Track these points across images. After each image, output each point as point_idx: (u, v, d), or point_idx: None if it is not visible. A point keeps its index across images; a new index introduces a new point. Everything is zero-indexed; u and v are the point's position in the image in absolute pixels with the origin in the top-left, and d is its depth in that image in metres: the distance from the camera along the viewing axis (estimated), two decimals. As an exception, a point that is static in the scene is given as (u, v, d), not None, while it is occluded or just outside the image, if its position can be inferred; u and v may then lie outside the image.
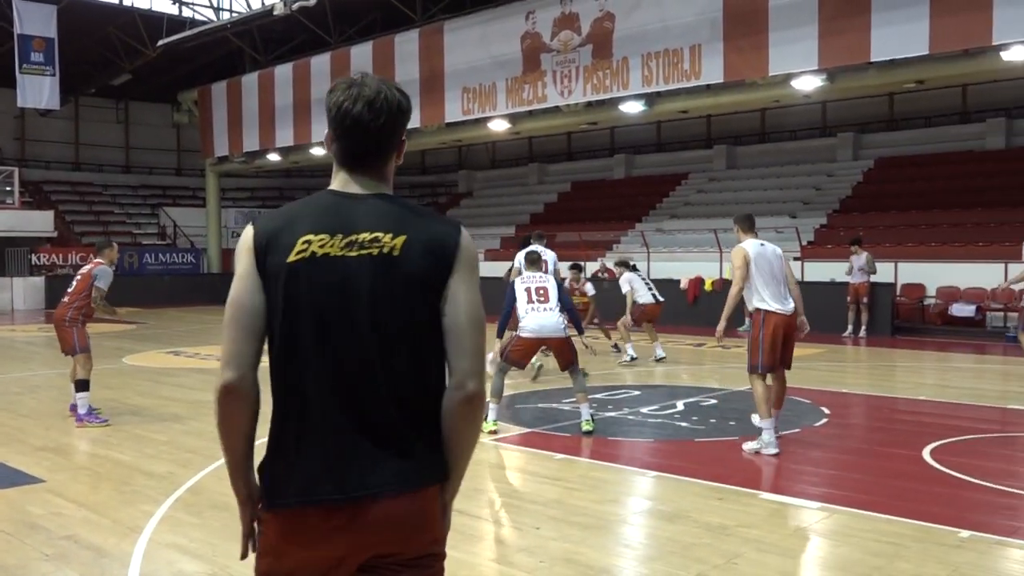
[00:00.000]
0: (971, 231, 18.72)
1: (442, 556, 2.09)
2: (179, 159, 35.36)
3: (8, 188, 27.65)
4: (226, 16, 27.36)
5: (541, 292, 7.89)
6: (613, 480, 6.45)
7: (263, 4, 25.53)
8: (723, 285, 18.84)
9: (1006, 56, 14.94)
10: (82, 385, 8.27)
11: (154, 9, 27.16)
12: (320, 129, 26.40)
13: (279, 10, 22.78)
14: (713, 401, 9.51)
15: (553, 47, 19.55)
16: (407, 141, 2.22)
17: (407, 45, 22.29)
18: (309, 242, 1.98)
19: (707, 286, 19.10)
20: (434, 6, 23.74)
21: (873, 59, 15.43)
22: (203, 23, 26.94)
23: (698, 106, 20.59)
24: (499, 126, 22.54)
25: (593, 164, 30.75)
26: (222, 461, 2.08)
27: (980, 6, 13.86)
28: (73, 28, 26.58)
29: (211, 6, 28.47)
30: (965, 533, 5.00)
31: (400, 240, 1.99)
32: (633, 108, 20.32)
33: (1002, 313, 16.70)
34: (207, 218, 30.72)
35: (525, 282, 8.02)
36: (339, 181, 2.09)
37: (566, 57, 19.34)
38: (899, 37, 14.74)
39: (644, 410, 8.96)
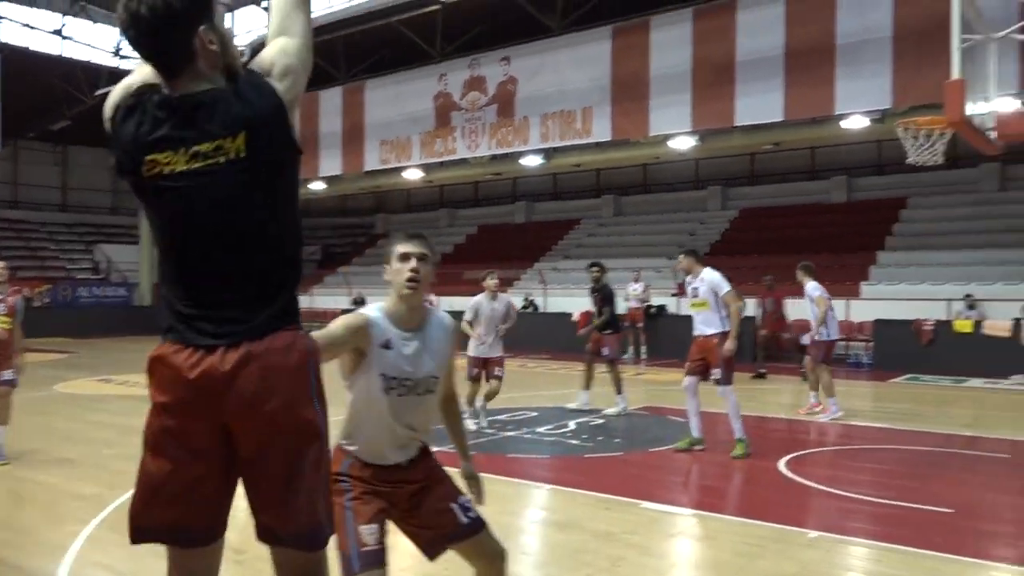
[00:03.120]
0: (819, 273, 19.47)
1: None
2: (114, 199, 34.03)
3: (-55, 224, 26.07)
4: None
5: None
6: (511, 494, 6.42)
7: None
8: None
9: (845, 124, 15.84)
10: None
11: (93, 61, 26.23)
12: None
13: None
14: (601, 421, 9.60)
15: (462, 106, 19.71)
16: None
17: (331, 100, 22.13)
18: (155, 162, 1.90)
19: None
20: (356, 66, 23.65)
21: (737, 123, 16.08)
22: (140, 75, 26.13)
23: (589, 160, 21.13)
24: (413, 175, 22.57)
25: (497, 210, 30.96)
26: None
27: (825, 81, 14.63)
28: (15, 75, 25.41)
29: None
30: (814, 534, 5.16)
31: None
32: (532, 161, 20.69)
33: (844, 342, 17.44)
34: (140, 254, 29.59)
35: None
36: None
37: (474, 115, 19.51)
38: (759, 105, 15.41)
39: (540, 429, 8.98)
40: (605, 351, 10.21)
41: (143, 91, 1.96)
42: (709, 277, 7.68)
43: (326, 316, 27.59)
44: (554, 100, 18.18)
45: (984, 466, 7.42)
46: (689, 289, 7.86)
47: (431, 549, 3.04)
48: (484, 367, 8.73)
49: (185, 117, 1.88)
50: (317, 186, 24.76)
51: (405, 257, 2.87)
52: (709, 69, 15.98)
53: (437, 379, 2.96)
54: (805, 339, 11.28)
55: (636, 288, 17.99)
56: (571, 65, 18.00)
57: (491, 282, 8.75)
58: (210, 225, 1.91)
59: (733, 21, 15.72)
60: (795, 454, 7.58)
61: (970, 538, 5.18)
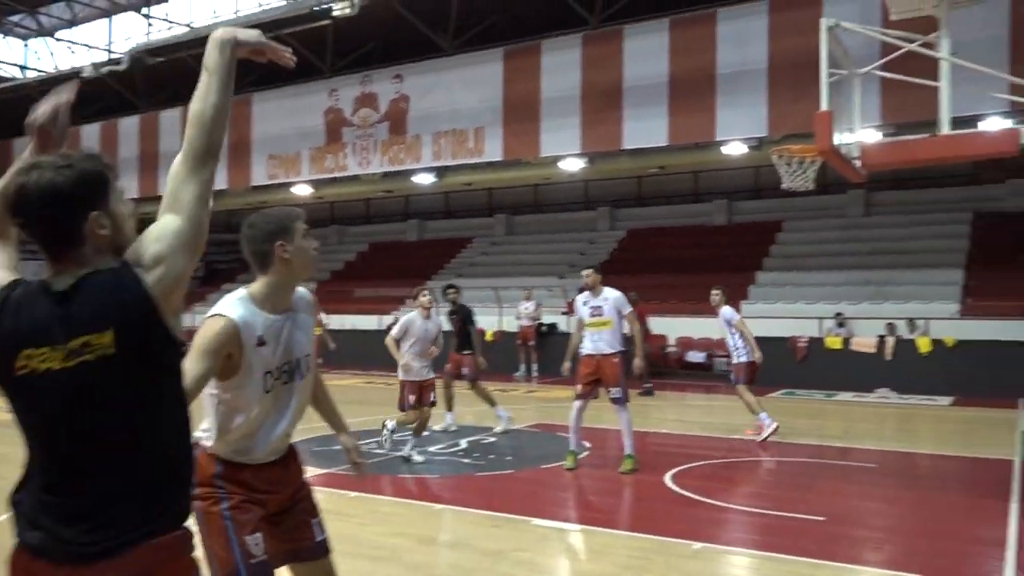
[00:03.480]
0: (701, 291, 20.14)
1: None
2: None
3: None
4: (33, 75, 25.20)
5: None
6: (402, 514, 6.35)
7: (71, 66, 23.77)
8: (503, 336, 19.26)
9: (726, 150, 16.59)
10: None
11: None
12: (127, 187, 25.29)
13: (88, 72, 21.32)
14: (492, 439, 9.62)
15: (354, 122, 19.52)
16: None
17: (216, 113, 21.50)
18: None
19: (488, 337, 19.45)
20: (244, 79, 23.08)
21: (624, 147, 16.58)
22: (8, 79, 24.67)
23: (481, 180, 21.29)
24: (303, 191, 22.17)
25: (389, 227, 30.72)
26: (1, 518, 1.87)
27: (706, 108, 15.28)
28: None
29: (17, 64, 26.16)
30: (698, 545, 5.32)
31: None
32: (425, 179, 20.70)
33: (726, 359, 18.15)
34: None
35: None
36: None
37: (365, 132, 19.35)
38: (645, 131, 15.94)
39: (432, 449, 8.92)
40: (465, 371, 10.17)
41: (16, 282, 1.86)
42: (613, 296, 7.76)
43: (209, 335, 26.77)
44: (446, 119, 18.25)
45: (854, 476, 7.85)
46: (589, 308, 7.82)
47: (275, 559, 2.82)
48: (420, 393, 8.12)
49: (62, 310, 1.77)
50: (201, 200, 23.97)
51: (308, 234, 2.78)
52: (598, 94, 16.42)
53: (310, 356, 2.84)
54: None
55: (528, 307, 18.19)
56: (463, 85, 18.13)
57: (425, 299, 8.24)
58: (84, 426, 1.78)
59: (620, 48, 16.24)
60: (680, 468, 7.81)
61: (841, 544, 5.45)
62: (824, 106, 6.52)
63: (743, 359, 9.82)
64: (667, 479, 7.29)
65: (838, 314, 16.89)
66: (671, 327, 18.55)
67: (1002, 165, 19.91)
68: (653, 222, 25.03)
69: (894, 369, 14.96)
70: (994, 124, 11.62)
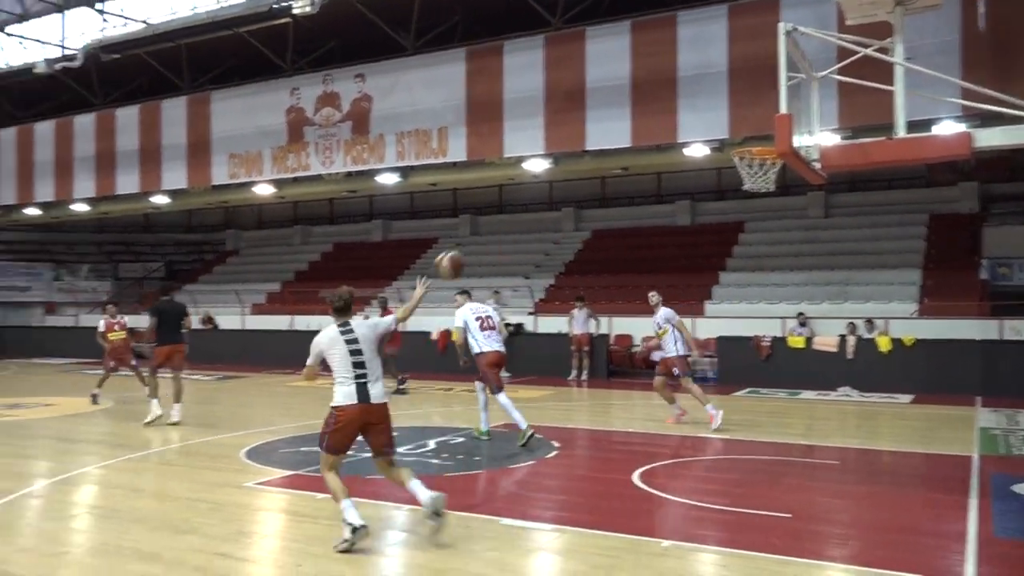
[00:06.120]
0: (665, 291, 20.35)
1: None
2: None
3: None
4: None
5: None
6: (371, 516, 6.31)
7: (24, 62, 23.18)
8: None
9: (688, 152, 16.76)
10: None
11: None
12: (84, 186, 24.47)
13: (40, 68, 20.88)
14: (461, 439, 9.63)
15: (316, 121, 19.38)
16: None
17: (174, 111, 21.17)
18: None
19: (454, 337, 19.41)
20: (202, 76, 22.75)
21: (588, 148, 16.67)
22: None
23: (445, 180, 21.25)
24: (265, 190, 21.93)
25: (353, 228, 30.54)
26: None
27: (668, 111, 15.44)
28: None
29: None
30: (667, 543, 5.39)
31: None
32: (389, 179, 20.60)
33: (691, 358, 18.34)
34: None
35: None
36: None
37: (328, 131, 19.22)
38: (608, 132, 16.05)
39: (400, 450, 8.88)
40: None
41: None
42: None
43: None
44: (409, 119, 18.20)
45: (817, 472, 8.00)
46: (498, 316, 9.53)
47: None
48: None
49: None
50: (160, 200, 23.56)
51: None
52: (561, 95, 16.48)
53: None
54: (656, 356, 11.98)
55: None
56: (426, 85, 18.09)
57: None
58: None
59: (583, 50, 16.33)
60: (648, 466, 7.88)
61: (807, 540, 5.56)
62: (783, 109, 6.61)
63: (681, 352, 10.83)
64: (635, 477, 7.36)
65: (800, 314, 17.16)
66: (636, 327, 18.66)
67: (954, 168, 20.44)
68: (617, 223, 25.19)
69: (855, 368, 15.25)
70: (947, 128, 11.92)
